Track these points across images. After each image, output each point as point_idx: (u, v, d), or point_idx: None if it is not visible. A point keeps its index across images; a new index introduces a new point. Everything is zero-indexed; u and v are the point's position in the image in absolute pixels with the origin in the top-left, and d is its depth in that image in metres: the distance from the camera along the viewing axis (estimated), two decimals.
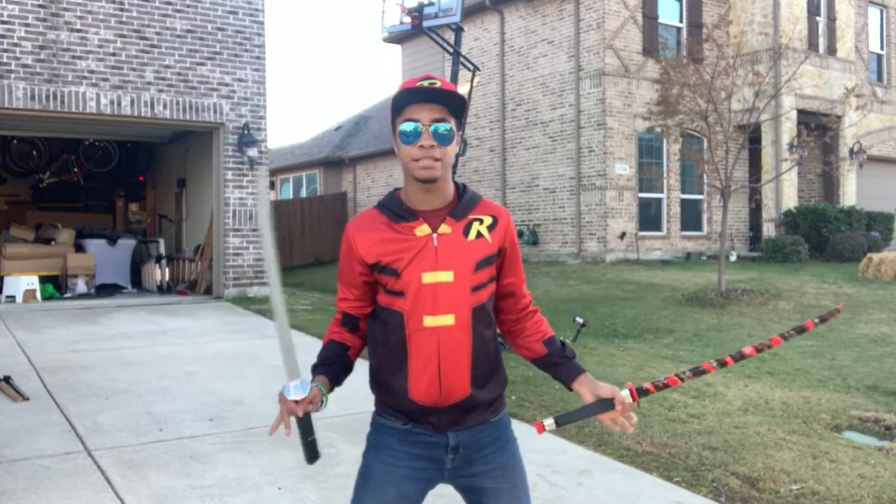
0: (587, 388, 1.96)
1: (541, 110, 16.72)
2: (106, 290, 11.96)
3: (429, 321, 1.85)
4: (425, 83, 1.81)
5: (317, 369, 1.97)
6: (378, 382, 1.98)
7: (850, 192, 17.91)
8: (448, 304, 1.86)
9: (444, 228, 1.87)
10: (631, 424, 1.95)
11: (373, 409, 2.07)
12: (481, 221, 1.91)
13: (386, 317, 1.92)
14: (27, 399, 5.30)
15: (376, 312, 1.97)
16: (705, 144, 12.99)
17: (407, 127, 1.81)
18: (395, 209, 1.90)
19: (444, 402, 1.88)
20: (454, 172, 7.72)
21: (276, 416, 1.91)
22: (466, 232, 1.89)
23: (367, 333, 2.02)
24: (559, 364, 2.02)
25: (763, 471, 4.11)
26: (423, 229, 1.87)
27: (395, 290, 1.88)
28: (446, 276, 1.85)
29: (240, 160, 11.22)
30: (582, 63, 15.75)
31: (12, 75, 9.68)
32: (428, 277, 1.85)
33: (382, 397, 1.98)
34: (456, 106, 1.84)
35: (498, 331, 2.04)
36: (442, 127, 1.81)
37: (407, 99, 1.83)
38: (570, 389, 2.02)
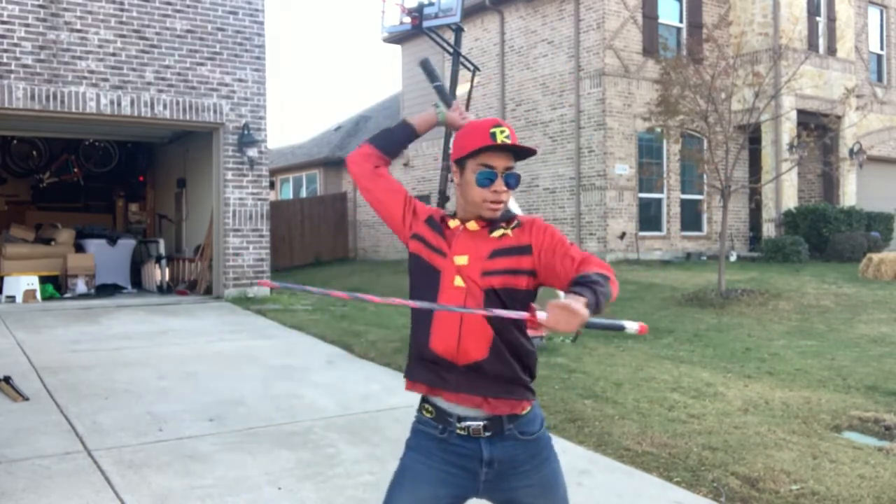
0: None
1: (541, 110, 16.72)
2: (106, 290, 11.96)
3: (458, 282, 2.05)
4: (500, 134, 2.04)
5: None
6: (412, 330, 2.14)
7: (850, 193, 17.91)
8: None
9: (472, 225, 2.11)
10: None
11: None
12: (508, 224, 2.11)
13: (426, 269, 2.11)
14: (27, 399, 5.30)
15: (418, 263, 2.13)
16: (705, 144, 12.99)
17: (484, 173, 2.06)
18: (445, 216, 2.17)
19: (460, 359, 2.02)
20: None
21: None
22: (491, 231, 2.09)
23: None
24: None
25: (763, 471, 4.11)
26: (454, 222, 2.13)
27: (436, 248, 2.10)
28: (462, 260, 2.07)
29: (240, 160, 11.22)
30: (582, 63, 15.75)
31: (12, 75, 9.68)
32: (457, 259, 2.08)
33: (412, 348, 2.13)
34: (521, 153, 2.10)
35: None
36: (512, 175, 2.09)
37: (485, 146, 2.05)
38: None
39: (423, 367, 2.08)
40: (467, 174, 2.09)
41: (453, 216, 2.15)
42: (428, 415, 2.08)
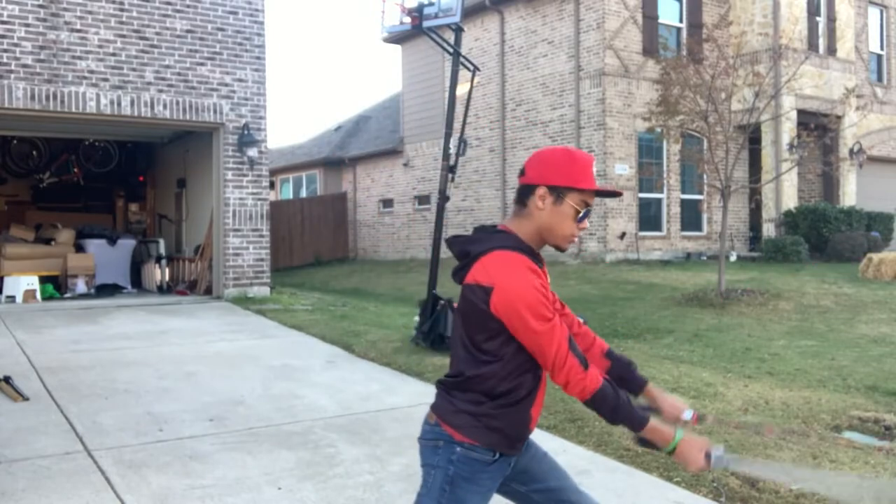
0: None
1: (541, 110, 16.72)
2: (106, 290, 11.95)
3: None
4: (596, 179, 2.08)
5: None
6: (515, 414, 2.07)
7: (850, 193, 17.91)
8: None
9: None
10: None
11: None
12: None
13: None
14: (27, 399, 5.30)
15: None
16: (705, 145, 12.99)
17: (587, 212, 2.08)
18: (530, 253, 2.06)
19: (533, 427, 2.15)
20: (454, 175, 7.72)
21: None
22: None
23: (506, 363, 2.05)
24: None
25: None
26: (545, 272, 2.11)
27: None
28: None
29: (240, 160, 11.22)
30: (582, 63, 15.75)
31: (12, 75, 9.67)
32: None
33: (507, 428, 2.07)
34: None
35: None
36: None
37: (590, 184, 2.05)
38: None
39: (511, 444, 2.09)
40: (566, 207, 2.04)
41: (529, 252, 2.05)
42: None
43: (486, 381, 2.01)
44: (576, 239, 2.10)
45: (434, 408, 2.12)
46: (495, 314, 1.96)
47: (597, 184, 2.07)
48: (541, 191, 2.03)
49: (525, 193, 2.07)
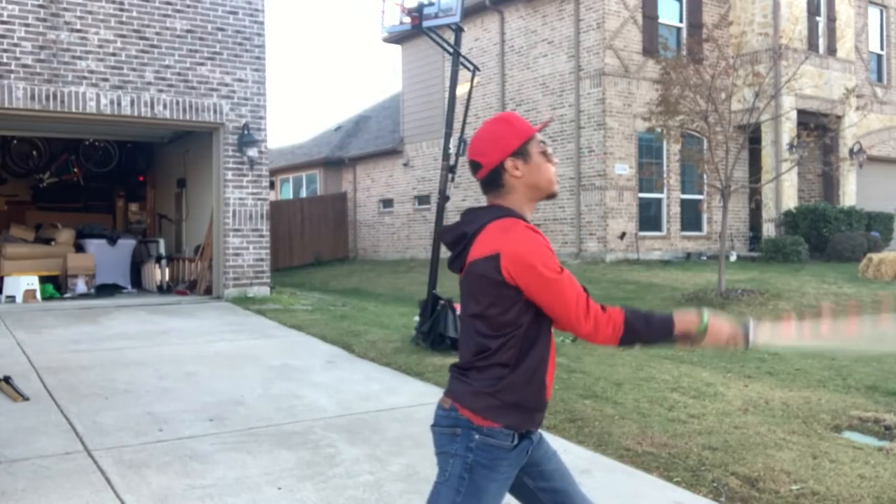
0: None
1: (541, 110, 16.72)
2: (106, 290, 11.95)
3: None
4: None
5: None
6: (533, 383, 2.05)
7: (850, 192, 17.91)
8: None
9: None
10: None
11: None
12: None
13: (542, 317, 2.06)
14: (27, 399, 5.30)
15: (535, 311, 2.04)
16: (705, 144, 12.98)
17: (546, 150, 2.13)
18: (526, 221, 2.09)
19: (549, 396, 2.14)
20: (454, 175, 7.72)
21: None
22: None
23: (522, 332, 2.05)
24: None
25: (763, 471, 4.11)
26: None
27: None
28: None
29: (240, 160, 11.21)
30: (582, 63, 15.75)
31: (12, 75, 9.67)
32: None
33: (527, 400, 2.05)
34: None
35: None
36: None
37: (532, 129, 2.12)
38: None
39: (531, 418, 2.08)
40: (535, 157, 2.10)
41: (524, 220, 2.09)
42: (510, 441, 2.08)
43: (504, 353, 2.00)
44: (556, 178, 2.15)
45: (449, 392, 2.09)
46: (508, 279, 1.96)
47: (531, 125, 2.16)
48: (509, 162, 2.08)
49: (495, 177, 2.10)
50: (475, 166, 2.13)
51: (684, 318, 2.04)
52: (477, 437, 2.02)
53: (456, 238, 2.10)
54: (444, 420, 2.07)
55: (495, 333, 2.01)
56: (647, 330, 2.01)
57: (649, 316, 2.04)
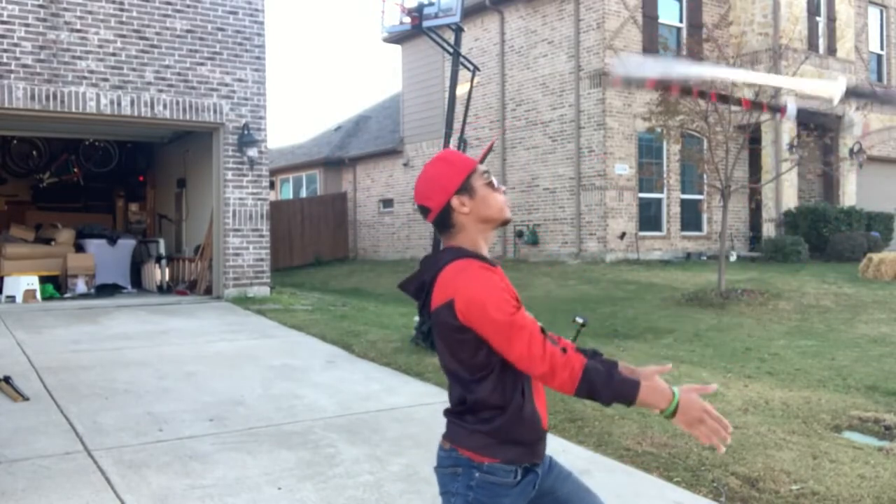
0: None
1: (541, 110, 16.72)
2: (106, 290, 11.95)
3: None
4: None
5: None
6: (525, 418, 2.02)
7: (850, 193, 17.91)
8: None
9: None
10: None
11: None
12: None
13: None
14: (27, 399, 5.30)
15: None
16: (705, 145, 12.99)
17: (490, 179, 2.10)
18: (481, 258, 2.05)
19: (545, 424, 2.10)
20: None
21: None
22: None
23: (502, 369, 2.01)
24: None
25: (763, 471, 4.11)
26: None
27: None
28: None
29: (240, 160, 11.22)
30: (582, 63, 15.75)
31: (12, 75, 9.67)
32: None
33: (523, 435, 2.02)
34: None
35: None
36: None
37: (474, 163, 2.11)
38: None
39: (531, 451, 2.04)
40: (480, 190, 2.08)
41: (479, 257, 2.04)
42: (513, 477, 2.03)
43: (489, 396, 1.98)
44: (507, 203, 2.12)
45: (447, 436, 2.08)
46: (464, 323, 1.94)
47: (475, 158, 2.16)
48: (455, 201, 2.06)
49: (444, 218, 2.08)
50: (424, 211, 2.12)
51: (653, 393, 1.91)
52: (477, 475, 2.01)
53: (416, 289, 2.11)
54: (445, 461, 2.07)
55: (473, 377, 1.99)
56: (606, 387, 1.89)
57: (612, 373, 1.91)
